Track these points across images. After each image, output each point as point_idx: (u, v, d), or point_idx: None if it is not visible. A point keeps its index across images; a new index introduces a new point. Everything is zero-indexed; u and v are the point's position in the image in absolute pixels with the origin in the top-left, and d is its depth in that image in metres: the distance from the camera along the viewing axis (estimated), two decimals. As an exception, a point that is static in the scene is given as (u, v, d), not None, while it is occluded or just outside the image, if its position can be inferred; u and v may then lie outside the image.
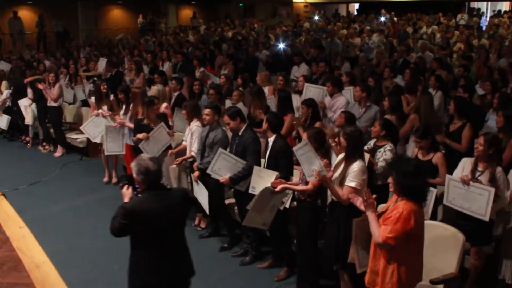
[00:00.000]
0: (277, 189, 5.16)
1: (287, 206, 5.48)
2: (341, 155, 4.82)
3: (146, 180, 3.74)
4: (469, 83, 8.45)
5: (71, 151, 10.81)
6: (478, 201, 4.88)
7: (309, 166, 4.74)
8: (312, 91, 7.93)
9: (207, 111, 6.36)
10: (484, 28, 18.21)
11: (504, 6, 27.70)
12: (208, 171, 6.05)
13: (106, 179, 9.07)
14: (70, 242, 6.81)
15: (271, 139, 5.63)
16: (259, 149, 5.93)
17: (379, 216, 4.01)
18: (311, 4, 29.78)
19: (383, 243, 3.79)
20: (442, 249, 4.55)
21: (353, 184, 4.56)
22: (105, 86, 8.82)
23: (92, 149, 10.29)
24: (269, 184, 5.35)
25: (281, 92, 7.46)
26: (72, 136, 10.60)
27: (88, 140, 10.21)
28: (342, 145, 4.67)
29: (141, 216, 3.67)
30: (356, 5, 30.92)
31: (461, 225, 4.81)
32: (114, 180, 9.00)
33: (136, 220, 3.66)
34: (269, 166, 5.57)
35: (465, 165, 5.22)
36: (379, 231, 3.82)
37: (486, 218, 4.86)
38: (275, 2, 29.25)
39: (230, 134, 6.39)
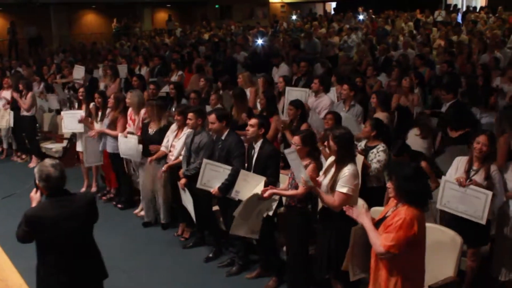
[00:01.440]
0: (266, 195, 4.90)
1: (270, 213, 5.24)
2: (331, 159, 4.58)
3: (48, 186, 3.71)
4: (454, 82, 8.29)
5: (47, 161, 10.41)
6: (475, 204, 4.69)
7: (298, 173, 4.49)
8: (294, 94, 7.70)
9: (190, 115, 6.09)
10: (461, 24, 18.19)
11: (479, 2, 27.87)
12: (198, 185, 5.79)
13: (83, 189, 8.71)
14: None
15: (258, 144, 5.38)
16: (244, 152, 5.68)
17: (377, 222, 3.78)
18: (288, 4, 29.65)
19: (386, 252, 3.56)
20: (440, 252, 4.38)
21: (344, 190, 4.32)
22: (82, 93, 8.49)
23: (68, 158, 9.92)
24: (254, 189, 5.12)
25: (267, 93, 7.21)
26: (47, 145, 10.22)
27: (64, 149, 9.90)
28: (332, 149, 4.42)
29: (42, 222, 3.66)
30: (333, 4, 30.85)
31: (457, 226, 4.64)
32: (94, 189, 8.66)
33: (37, 227, 3.66)
34: (257, 171, 5.32)
35: (458, 165, 5.04)
36: (380, 240, 3.58)
37: (483, 222, 4.69)
38: (251, 3, 29.07)
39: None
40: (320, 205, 4.74)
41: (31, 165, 10.22)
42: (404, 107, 7.58)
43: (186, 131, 6.48)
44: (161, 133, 6.85)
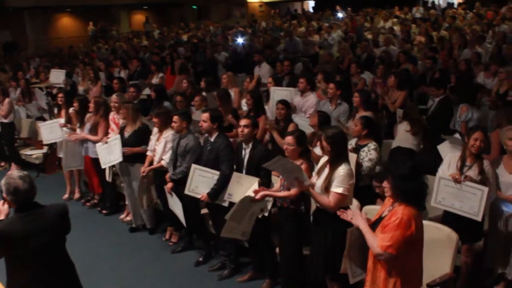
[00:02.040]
0: (258, 196, 4.80)
1: (266, 214, 5.14)
2: (323, 159, 4.48)
3: (16, 200, 3.53)
4: (445, 78, 8.28)
5: (27, 168, 10.16)
6: (470, 200, 4.65)
7: (289, 176, 4.38)
8: (280, 93, 7.59)
9: (174, 118, 5.95)
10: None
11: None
12: (186, 191, 5.66)
13: (66, 195, 8.52)
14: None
15: (249, 145, 5.27)
16: (233, 157, 5.56)
17: (374, 223, 3.70)
18: (266, 3, 29.59)
19: (383, 253, 3.47)
20: (435, 249, 4.33)
21: (340, 190, 4.23)
22: (62, 98, 8.29)
23: (49, 164, 9.73)
24: (248, 191, 5.01)
25: (254, 93, 7.10)
26: (26, 152, 9.98)
27: (45, 155, 9.68)
28: (326, 149, 4.32)
29: (10, 238, 3.47)
30: (311, 3, 30.89)
31: (451, 222, 4.62)
32: (77, 195, 8.47)
33: (5, 243, 3.48)
34: (249, 173, 5.23)
35: (451, 161, 4.99)
36: (377, 241, 3.50)
37: (479, 218, 4.67)
38: (229, 3, 28.96)
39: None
40: (313, 206, 4.66)
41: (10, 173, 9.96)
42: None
43: (166, 134, 6.35)
44: (135, 135, 6.73)
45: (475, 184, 4.69)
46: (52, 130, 8.18)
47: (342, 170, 4.24)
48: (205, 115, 5.56)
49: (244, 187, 5.11)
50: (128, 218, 7.38)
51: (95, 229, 7.27)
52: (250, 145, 5.27)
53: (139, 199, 6.88)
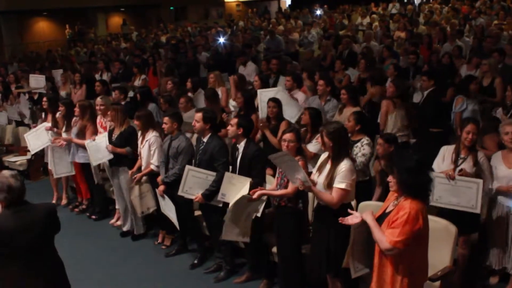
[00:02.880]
0: (254, 196, 4.77)
1: (258, 215, 5.11)
2: (324, 156, 4.46)
3: (9, 197, 3.61)
4: (435, 70, 8.37)
5: (11, 175, 9.98)
6: (467, 195, 4.69)
7: (292, 174, 4.34)
8: (267, 95, 7.49)
9: (165, 119, 5.89)
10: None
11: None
12: (179, 192, 5.60)
13: (54, 201, 8.38)
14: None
15: (241, 144, 5.24)
16: (228, 158, 5.52)
17: (378, 218, 3.69)
18: (243, 3, 29.56)
19: (392, 248, 3.46)
20: (434, 242, 4.27)
21: (343, 186, 4.21)
22: (45, 102, 8.15)
23: (34, 171, 9.57)
24: (241, 191, 4.98)
25: (245, 92, 7.06)
26: (10, 159, 9.78)
27: (29, 162, 9.52)
28: (327, 145, 4.29)
29: (1, 235, 3.56)
30: (288, 1, 30.93)
31: (448, 215, 4.65)
32: (64, 201, 8.34)
33: None
34: (242, 173, 5.20)
35: (445, 154, 5.02)
36: (386, 236, 3.49)
37: (478, 211, 4.71)
38: (206, 3, 28.84)
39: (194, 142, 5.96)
40: (314, 203, 4.64)
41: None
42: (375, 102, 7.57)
43: (148, 136, 6.28)
44: (121, 137, 6.65)
45: (470, 178, 4.73)
46: (38, 137, 8.00)
47: (344, 165, 4.23)
48: (198, 115, 5.51)
49: (236, 187, 5.08)
50: (119, 223, 7.29)
51: (86, 235, 7.17)
52: (243, 144, 5.24)
53: (133, 206, 6.77)
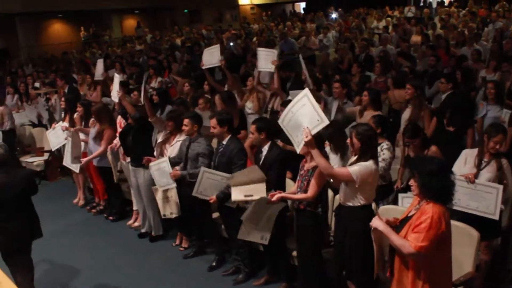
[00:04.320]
0: (274, 199, 4.74)
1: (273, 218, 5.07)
2: (353, 158, 4.39)
3: None
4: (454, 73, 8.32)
5: (27, 176, 10.06)
6: (486, 200, 4.62)
7: (296, 133, 4.22)
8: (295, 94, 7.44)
9: (185, 121, 5.86)
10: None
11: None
12: (194, 193, 5.59)
13: (76, 199, 8.51)
14: (41, 276, 6.19)
15: (265, 147, 5.21)
16: (246, 161, 5.50)
17: (402, 221, 3.65)
18: (257, 6, 29.60)
19: (417, 253, 3.39)
20: (456, 247, 4.25)
21: (351, 170, 4.13)
22: (64, 102, 8.22)
23: (51, 172, 9.63)
24: (256, 192, 4.96)
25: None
26: (27, 160, 9.85)
27: (46, 162, 9.58)
28: (356, 146, 4.23)
29: None
30: (303, 4, 30.92)
31: (469, 219, 4.57)
32: (82, 202, 8.38)
33: None
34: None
35: (467, 158, 4.97)
36: (408, 242, 3.41)
37: (496, 217, 4.62)
38: (220, 6, 28.90)
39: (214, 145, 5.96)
40: (335, 204, 4.60)
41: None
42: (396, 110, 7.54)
43: (180, 137, 6.28)
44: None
45: (490, 183, 4.67)
46: (57, 135, 8.08)
47: (367, 163, 4.16)
48: (213, 121, 5.50)
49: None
50: (136, 224, 7.30)
51: (103, 236, 7.19)
52: (267, 147, 5.20)
53: (147, 205, 6.78)
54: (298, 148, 4.31)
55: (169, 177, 6.01)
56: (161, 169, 6.11)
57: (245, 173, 5.04)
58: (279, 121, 4.42)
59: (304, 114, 4.12)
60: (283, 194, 4.81)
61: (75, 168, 7.93)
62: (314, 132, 4.09)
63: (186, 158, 5.96)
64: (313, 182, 4.61)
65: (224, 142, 5.54)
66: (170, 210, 6.27)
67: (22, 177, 4.91)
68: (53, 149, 8.36)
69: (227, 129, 5.52)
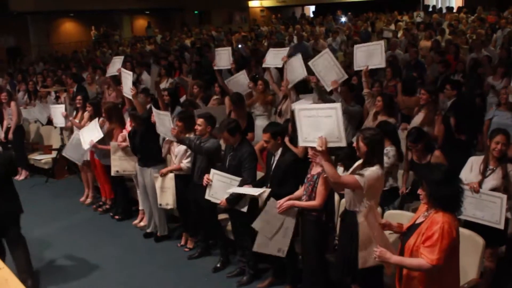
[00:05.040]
0: (284, 206, 4.76)
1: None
2: (359, 162, 4.40)
3: None
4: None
5: (35, 173, 10.14)
6: (491, 209, 4.60)
7: (309, 130, 4.20)
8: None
9: (199, 121, 5.87)
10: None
11: (454, 3, 28.20)
12: (206, 196, 5.63)
13: (83, 198, 8.57)
14: (46, 274, 6.24)
15: (278, 152, 5.21)
16: (256, 165, 5.52)
17: (410, 228, 3.65)
18: (267, 8, 29.64)
19: (434, 267, 3.35)
20: (461, 254, 4.20)
21: (358, 177, 4.13)
22: (79, 101, 8.34)
23: (58, 170, 9.70)
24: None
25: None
26: (35, 157, 9.92)
27: (54, 160, 9.64)
28: (362, 150, 4.20)
29: None
30: (312, 8, 30.94)
31: (475, 226, 4.58)
32: (88, 200, 8.43)
33: None
34: (273, 181, 5.19)
35: (473, 165, 4.96)
36: (424, 259, 3.36)
37: (501, 226, 4.59)
38: (230, 8, 28.97)
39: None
40: (341, 208, 4.61)
41: (19, 178, 9.94)
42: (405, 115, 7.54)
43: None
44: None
45: (494, 192, 4.65)
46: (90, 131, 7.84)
47: (373, 168, 4.15)
48: (225, 135, 5.49)
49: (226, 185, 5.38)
50: (142, 224, 7.33)
51: (109, 235, 7.23)
52: (279, 152, 5.20)
53: (153, 205, 6.82)
54: (301, 143, 4.34)
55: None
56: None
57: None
58: (296, 108, 4.35)
59: (326, 124, 4.11)
60: (291, 202, 4.81)
61: (78, 160, 8.02)
62: (329, 146, 4.10)
63: (195, 157, 5.99)
64: (319, 189, 4.62)
65: (235, 146, 5.54)
66: (166, 201, 6.39)
67: (4, 159, 5.57)
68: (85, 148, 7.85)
69: (238, 135, 5.53)
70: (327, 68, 6.79)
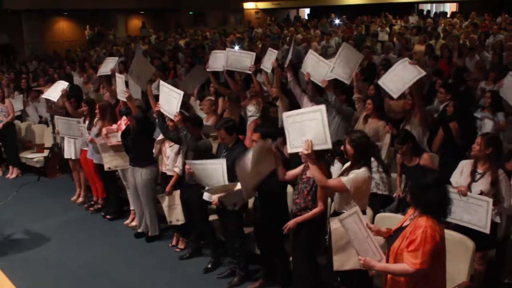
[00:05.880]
0: (290, 225, 4.75)
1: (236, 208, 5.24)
2: (347, 164, 4.42)
3: None
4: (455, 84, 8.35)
5: (27, 172, 10.10)
6: (478, 212, 4.60)
7: (295, 136, 4.25)
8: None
9: (186, 124, 5.87)
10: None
11: (448, 8, 28.38)
12: (204, 197, 5.62)
13: (75, 197, 8.54)
14: (37, 273, 6.22)
15: None
16: None
17: (396, 231, 3.66)
18: (262, 10, 29.67)
19: (417, 271, 3.35)
20: (451, 257, 4.25)
21: (345, 180, 4.15)
22: (73, 102, 8.31)
23: (50, 168, 9.66)
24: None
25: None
26: (27, 155, 9.88)
27: (46, 159, 9.60)
28: (349, 153, 4.25)
29: None
30: (307, 10, 31.00)
31: (465, 229, 4.59)
32: (80, 200, 8.40)
33: None
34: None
35: (463, 168, 4.99)
36: (406, 264, 3.37)
37: (487, 231, 4.58)
38: (225, 10, 28.97)
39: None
40: (331, 209, 4.62)
41: (10, 176, 9.90)
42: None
43: None
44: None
45: (481, 196, 4.65)
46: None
47: (360, 171, 4.17)
48: (222, 132, 5.44)
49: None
50: (133, 224, 7.31)
51: (100, 235, 7.20)
52: None
53: (144, 205, 6.80)
54: (290, 149, 4.35)
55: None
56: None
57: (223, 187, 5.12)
58: (284, 115, 4.39)
59: (311, 128, 4.15)
60: (294, 221, 4.76)
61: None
62: (315, 148, 4.13)
63: (186, 157, 5.97)
64: (320, 193, 4.62)
65: (229, 146, 5.51)
66: (176, 217, 6.33)
67: None
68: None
69: (236, 134, 5.52)
70: (315, 67, 6.85)
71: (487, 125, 6.83)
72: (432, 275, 3.51)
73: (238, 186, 4.99)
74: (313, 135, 4.12)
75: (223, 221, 5.78)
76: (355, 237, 3.67)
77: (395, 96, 6.49)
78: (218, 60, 8.27)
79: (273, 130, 5.31)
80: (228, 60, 7.94)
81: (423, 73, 6.33)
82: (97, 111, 7.37)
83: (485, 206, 4.58)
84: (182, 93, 5.77)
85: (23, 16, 22.31)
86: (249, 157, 4.39)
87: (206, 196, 5.55)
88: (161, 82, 6.23)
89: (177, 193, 6.30)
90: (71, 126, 7.89)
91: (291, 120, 4.30)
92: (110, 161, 7.09)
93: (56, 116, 8.24)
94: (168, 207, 6.34)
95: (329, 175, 4.53)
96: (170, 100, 5.84)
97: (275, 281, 5.49)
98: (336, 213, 4.41)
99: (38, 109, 10.69)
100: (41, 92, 10.68)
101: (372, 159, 5.22)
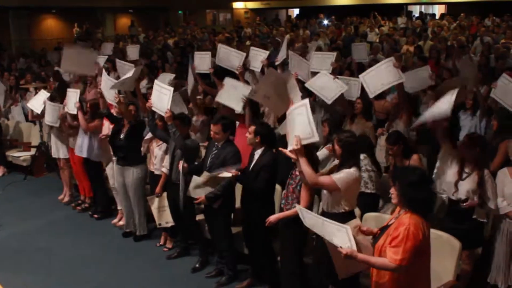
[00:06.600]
0: (271, 220, 4.75)
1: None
2: (335, 162, 4.43)
3: None
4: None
5: (13, 170, 10.01)
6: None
7: (291, 135, 4.28)
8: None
9: (175, 122, 5.86)
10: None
11: (437, 9, 28.54)
12: (189, 193, 5.56)
13: (62, 196, 8.47)
14: (23, 273, 6.17)
15: (258, 152, 5.19)
16: (240, 165, 5.48)
17: (382, 229, 3.68)
18: (251, 10, 29.67)
19: (398, 267, 3.39)
20: (438, 256, 4.29)
21: (335, 178, 4.14)
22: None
23: (37, 167, 9.58)
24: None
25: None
26: (14, 154, 9.81)
27: (33, 158, 9.53)
28: (337, 152, 4.26)
29: None
30: (296, 10, 31.04)
31: (452, 229, 4.61)
32: (67, 199, 8.34)
33: None
34: (251, 175, 5.15)
35: (452, 161, 5.01)
36: (387, 258, 3.41)
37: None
38: (214, 9, 28.94)
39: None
40: (320, 209, 4.63)
41: (-4, 174, 9.84)
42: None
43: None
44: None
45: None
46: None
47: (351, 170, 4.17)
48: (218, 127, 5.40)
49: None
50: (121, 223, 7.28)
51: (87, 234, 7.16)
52: (260, 151, 5.17)
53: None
54: (289, 147, 4.35)
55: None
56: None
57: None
58: (288, 111, 4.43)
59: (298, 123, 4.18)
60: (276, 216, 4.79)
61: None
62: (304, 143, 4.14)
63: (173, 157, 5.96)
64: (303, 194, 4.60)
65: (219, 144, 5.48)
66: (165, 220, 6.29)
67: None
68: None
69: (229, 133, 5.54)
70: (299, 65, 7.25)
71: (467, 126, 6.90)
72: (415, 274, 3.54)
73: (223, 174, 5.09)
74: (301, 129, 4.15)
75: (210, 220, 5.76)
76: (319, 229, 3.70)
77: (370, 96, 6.62)
78: (204, 61, 8.25)
79: (266, 131, 5.26)
80: (219, 54, 7.93)
81: (402, 79, 6.38)
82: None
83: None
84: (172, 89, 5.75)
85: (11, 13, 22.13)
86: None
87: (192, 193, 5.51)
88: (155, 81, 6.18)
89: (165, 196, 6.28)
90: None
91: (288, 117, 4.38)
92: None
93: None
94: (158, 209, 6.29)
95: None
96: (161, 97, 5.81)
97: (263, 280, 5.50)
98: (325, 213, 4.42)
99: (25, 109, 10.58)
100: (28, 90, 10.67)
101: (362, 157, 5.30)
